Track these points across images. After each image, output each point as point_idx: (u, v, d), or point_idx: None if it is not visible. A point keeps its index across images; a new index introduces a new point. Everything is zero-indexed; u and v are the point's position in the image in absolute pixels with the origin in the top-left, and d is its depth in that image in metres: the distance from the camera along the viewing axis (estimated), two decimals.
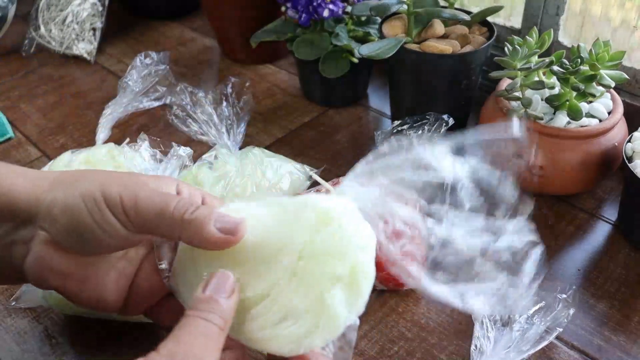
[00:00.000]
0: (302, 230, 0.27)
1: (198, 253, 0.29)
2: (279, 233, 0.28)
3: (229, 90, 0.70)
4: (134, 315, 0.32)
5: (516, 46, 0.54)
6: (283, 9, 0.68)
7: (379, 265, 0.47)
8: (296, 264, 0.27)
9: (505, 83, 0.58)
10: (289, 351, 0.27)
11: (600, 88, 0.52)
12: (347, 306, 0.27)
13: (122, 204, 0.27)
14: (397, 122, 0.58)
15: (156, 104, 0.73)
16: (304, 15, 0.64)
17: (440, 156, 0.28)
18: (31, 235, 0.29)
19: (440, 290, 0.29)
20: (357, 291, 0.27)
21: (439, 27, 0.61)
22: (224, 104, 0.68)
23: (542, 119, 0.53)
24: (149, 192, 0.28)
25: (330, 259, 0.27)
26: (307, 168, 0.56)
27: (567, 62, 0.52)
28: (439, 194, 0.29)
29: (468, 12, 0.63)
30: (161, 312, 0.32)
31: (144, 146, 0.57)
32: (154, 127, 0.71)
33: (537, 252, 0.30)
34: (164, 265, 0.30)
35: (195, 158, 0.56)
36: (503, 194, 0.30)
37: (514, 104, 0.55)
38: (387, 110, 0.71)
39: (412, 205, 0.28)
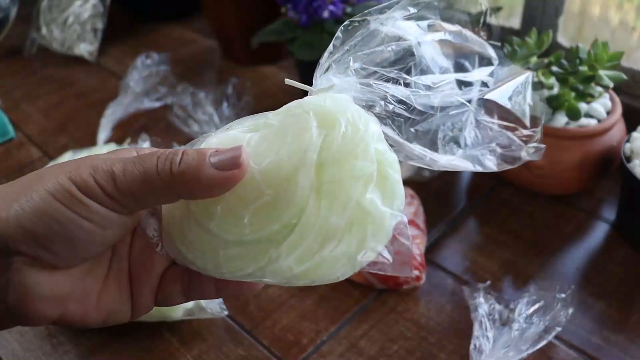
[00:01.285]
0: (310, 141, 0.23)
1: (194, 203, 0.25)
2: (284, 152, 0.24)
3: (230, 90, 0.70)
4: (147, 312, 0.28)
5: (515, 47, 0.54)
6: (283, 10, 0.68)
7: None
8: (317, 178, 0.23)
9: None
10: (342, 274, 0.24)
11: (599, 88, 0.52)
12: (387, 204, 0.25)
13: (100, 187, 0.23)
14: None
15: (157, 104, 0.73)
16: (304, 16, 0.64)
17: (401, 24, 0.27)
18: (5, 266, 0.23)
19: (451, 160, 0.27)
20: (390, 185, 0.25)
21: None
22: (225, 104, 0.69)
23: (540, 119, 0.54)
24: (120, 163, 0.23)
25: (353, 161, 0.24)
26: None
27: (565, 63, 0.52)
28: (413, 62, 0.27)
29: (467, 13, 0.63)
30: (168, 290, 0.27)
31: (145, 146, 0.57)
32: (155, 127, 0.71)
33: (527, 78, 0.29)
34: (150, 233, 0.26)
35: None
36: (472, 44, 0.29)
37: None
38: None
39: (396, 81, 0.26)
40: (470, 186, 0.61)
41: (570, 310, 0.44)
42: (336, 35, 0.27)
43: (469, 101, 0.28)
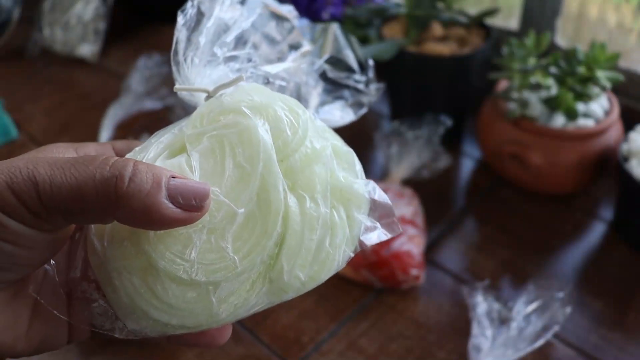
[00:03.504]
0: (263, 140, 0.21)
1: (161, 260, 0.21)
2: (241, 162, 0.21)
3: None
4: (83, 338, 0.24)
5: (513, 48, 0.55)
6: None
7: (378, 265, 0.48)
8: (284, 176, 0.22)
9: (503, 84, 0.59)
10: (344, 260, 0.23)
11: (597, 89, 0.52)
12: (353, 175, 0.24)
13: (20, 201, 0.18)
14: (395, 123, 0.59)
15: (159, 105, 0.74)
16: (303, 17, 0.65)
17: (230, 9, 0.25)
18: None
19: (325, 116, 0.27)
20: (344, 155, 0.24)
21: (437, 29, 0.62)
22: None
23: (539, 120, 0.54)
24: (45, 169, 0.18)
25: (311, 146, 0.22)
26: None
27: (563, 64, 0.52)
28: (252, 41, 0.27)
29: (466, 15, 0.63)
30: None
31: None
32: (157, 128, 0.71)
33: (334, 30, 0.30)
34: (98, 321, 0.22)
35: None
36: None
37: (512, 105, 0.55)
38: (386, 111, 0.72)
39: (250, 60, 0.26)
40: (469, 186, 0.62)
41: (569, 309, 0.44)
42: (178, 28, 0.24)
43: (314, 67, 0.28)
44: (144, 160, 0.22)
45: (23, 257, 0.19)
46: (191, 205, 0.19)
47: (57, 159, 0.19)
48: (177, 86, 0.23)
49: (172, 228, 0.20)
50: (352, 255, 0.23)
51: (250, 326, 0.47)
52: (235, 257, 0.21)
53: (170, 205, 0.19)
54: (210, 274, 0.20)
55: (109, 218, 0.19)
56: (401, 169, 0.57)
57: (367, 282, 0.49)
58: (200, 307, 0.21)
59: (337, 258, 0.22)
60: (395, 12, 0.65)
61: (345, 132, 0.29)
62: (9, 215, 0.18)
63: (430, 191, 0.59)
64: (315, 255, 0.22)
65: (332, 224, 0.22)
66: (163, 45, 0.91)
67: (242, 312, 0.22)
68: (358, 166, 0.25)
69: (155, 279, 0.20)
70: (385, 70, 0.67)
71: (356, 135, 0.69)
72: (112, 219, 0.19)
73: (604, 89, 0.52)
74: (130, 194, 0.18)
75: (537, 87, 0.54)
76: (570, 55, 0.52)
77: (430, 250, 0.53)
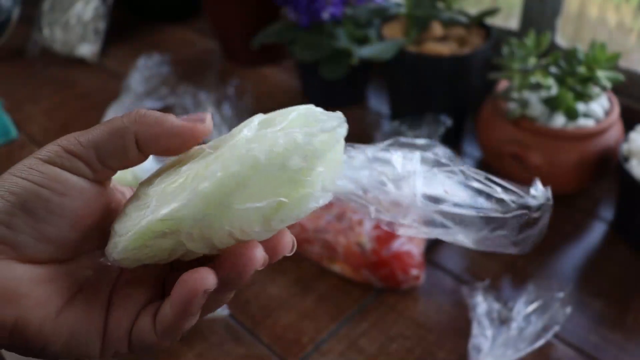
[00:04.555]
0: (248, 123, 0.24)
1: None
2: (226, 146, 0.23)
3: (231, 91, 0.71)
4: (118, 350, 0.24)
5: (513, 48, 0.55)
6: (284, 11, 0.69)
7: (378, 265, 0.48)
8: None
9: (503, 84, 0.59)
10: (298, 169, 0.22)
11: (597, 89, 0.52)
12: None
13: (63, 147, 0.22)
14: (395, 123, 0.59)
15: (159, 105, 0.74)
16: (304, 17, 0.65)
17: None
18: None
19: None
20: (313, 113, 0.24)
21: (437, 29, 0.62)
22: (226, 105, 0.69)
23: (539, 120, 0.54)
24: (84, 132, 0.23)
25: (290, 124, 0.23)
26: None
27: (564, 64, 0.52)
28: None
29: (466, 15, 0.63)
30: (142, 325, 0.23)
31: None
32: None
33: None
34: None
35: None
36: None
37: (512, 105, 0.55)
38: (387, 111, 0.72)
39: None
40: None
41: (569, 309, 0.44)
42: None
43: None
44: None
45: (66, 208, 0.22)
46: (195, 119, 0.25)
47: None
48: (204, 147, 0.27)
49: (180, 141, 0.24)
50: (303, 164, 0.21)
51: (251, 327, 0.47)
52: (181, 170, 0.24)
53: (178, 119, 0.24)
54: (161, 194, 0.23)
55: (130, 137, 0.23)
56: None
57: (367, 282, 0.49)
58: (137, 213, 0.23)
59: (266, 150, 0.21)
60: (395, 12, 0.65)
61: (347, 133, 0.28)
62: (51, 163, 0.22)
63: None
64: (239, 154, 0.21)
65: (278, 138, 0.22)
66: (163, 45, 0.91)
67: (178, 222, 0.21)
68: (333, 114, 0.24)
69: (136, 201, 0.24)
70: (385, 70, 0.67)
71: (356, 136, 0.69)
72: (133, 139, 0.23)
73: (604, 89, 0.52)
74: (148, 114, 0.24)
75: (537, 87, 0.54)
76: (570, 55, 0.52)
77: (430, 250, 0.53)
